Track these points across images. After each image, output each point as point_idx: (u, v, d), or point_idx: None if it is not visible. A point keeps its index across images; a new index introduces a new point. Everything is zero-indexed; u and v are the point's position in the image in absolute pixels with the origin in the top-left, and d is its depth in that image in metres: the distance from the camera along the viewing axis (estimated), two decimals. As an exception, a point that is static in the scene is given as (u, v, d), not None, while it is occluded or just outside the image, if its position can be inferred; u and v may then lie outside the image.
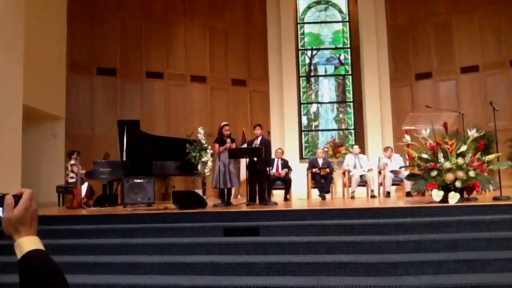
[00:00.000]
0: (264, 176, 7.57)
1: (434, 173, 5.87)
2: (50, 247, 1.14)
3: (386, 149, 9.78)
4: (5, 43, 7.94)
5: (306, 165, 9.92)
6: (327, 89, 14.52)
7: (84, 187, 8.67)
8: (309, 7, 14.75)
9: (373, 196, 9.33)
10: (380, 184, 9.60)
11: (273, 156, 9.45)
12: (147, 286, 3.98)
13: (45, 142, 11.12)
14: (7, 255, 4.60)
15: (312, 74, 14.59)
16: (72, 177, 9.29)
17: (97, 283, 4.10)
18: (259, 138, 7.72)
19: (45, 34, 10.52)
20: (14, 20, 8.30)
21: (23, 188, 1.16)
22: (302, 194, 9.87)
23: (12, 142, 8.12)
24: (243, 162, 9.31)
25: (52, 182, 10.11)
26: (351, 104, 14.30)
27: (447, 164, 5.79)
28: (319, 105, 14.49)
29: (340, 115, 14.41)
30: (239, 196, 10.85)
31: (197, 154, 10.03)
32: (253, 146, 7.64)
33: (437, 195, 5.76)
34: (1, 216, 1.11)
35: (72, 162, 9.36)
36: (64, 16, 11.52)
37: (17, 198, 1.12)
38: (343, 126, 14.34)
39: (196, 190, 8.53)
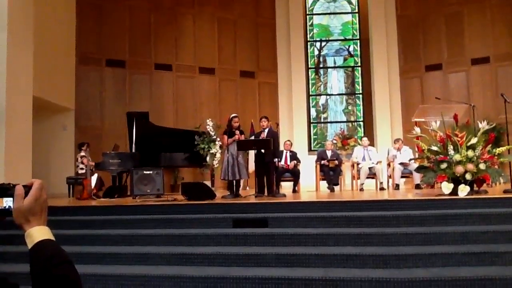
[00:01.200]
0: (272, 168, 7.56)
1: (444, 165, 5.84)
2: (60, 238, 1.15)
3: (396, 140, 9.73)
4: (15, 36, 7.98)
5: (315, 157, 9.90)
6: (336, 80, 14.46)
7: (94, 179, 8.72)
8: (318, -2, 14.66)
9: (382, 189, 9.30)
10: (389, 177, 9.56)
11: (281, 148, 9.44)
12: (155, 276, 4.01)
13: (55, 134, 11.21)
14: (18, 245, 4.66)
15: (321, 65, 14.53)
16: (82, 169, 9.35)
17: (106, 274, 4.13)
18: (266, 130, 7.72)
19: (55, 26, 10.56)
20: (24, 12, 8.33)
21: (33, 179, 1.17)
22: (310, 186, 9.86)
23: (22, 134, 8.19)
24: (252, 154, 9.32)
25: (62, 174, 10.19)
26: (360, 96, 14.23)
27: (457, 157, 5.75)
28: (328, 97, 14.44)
29: (349, 107, 14.36)
30: (247, 188, 10.87)
31: (206, 146, 10.08)
32: (261, 138, 7.64)
33: (446, 187, 5.72)
34: (12, 206, 1.12)
35: (82, 153, 9.43)
36: (73, 8, 11.56)
37: (27, 188, 1.13)
38: (352, 118, 14.29)
39: (205, 182, 8.56)
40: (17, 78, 8.01)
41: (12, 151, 7.76)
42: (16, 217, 1.12)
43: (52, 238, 1.13)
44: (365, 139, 9.97)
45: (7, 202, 1.13)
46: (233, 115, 7.64)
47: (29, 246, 1.10)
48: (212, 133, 10.42)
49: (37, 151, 9.30)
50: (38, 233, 1.11)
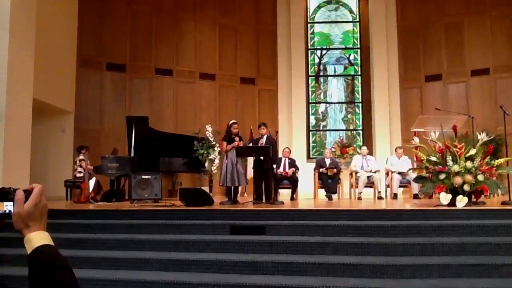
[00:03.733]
0: (270, 175, 7.56)
1: (442, 176, 5.84)
2: (57, 241, 1.15)
3: (399, 147, 9.79)
4: (16, 38, 7.99)
5: (314, 164, 9.90)
6: (335, 89, 14.49)
7: (92, 182, 8.71)
8: (319, 7, 14.71)
9: (380, 198, 9.29)
10: (388, 186, 9.57)
11: (280, 155, 9.44)
12: (152, 282, 4.00)
13: (54, 137, 11.19)
14: (16, 248, 4.64)
15: (321, 73, 14.55)
16: (80, 172, 9.34)
17: (103, 278, 4.12)
18: (264, 137, 7.72)
19: (56, 29, 10.58)
20: (26, 15, 8.35)
21: (34, 183, 1.16)
22: (308, 194, 9.85)
23: (21, 136, 8.18)
24: (250, 160, 9.31)
25: (60, 177, 10.17)
26: (360, 104, 14.25)
27: (456, 168, 5.75)
28: (327, 105, 14.45)
29: (349, 116, 14.37)
30: (245, 195, 10.86)
31: (205, 152, 10.08)
32: (259, 145, 7.63)
33: (445, 198, 5.72)
34: (12, 210, 1.12)
35: (81, 157, 9.41)
36: (75, 11, 11.59)
37: (28, 193, 1.13)
38: (351, 127, 14.30)
39: (203, 188, 8.55)
40: (17, 80, 8.01)
41: (11, 153, 7.74)
42: (15, 221, 1.12)
43: (52, 243, 1.13)
44: (364, 148, 9.98)
45: (8, 206, 1.13)
46: (232, 121, 7.64)
47: (28, 251, 1.10)
48: (211, 139, 10.42)
49: (35, 154, 9.29)
50: (38, 238, 1.11)
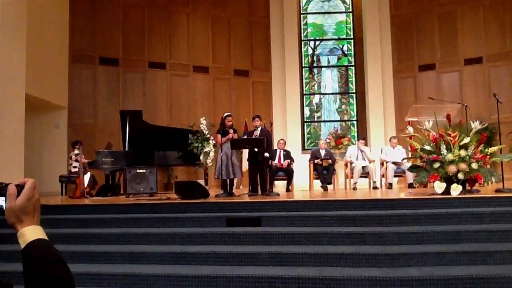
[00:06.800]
0: (265, 166, 7.57)
1: (436, 165, 5.86)
2: (52, 236, 1.15)
3: (393, 137, 9.83)
4: (7, 33, 7.92)
5: (308, 156, 9.91)
6: (329, 80, 14.48)
7: (86, 177, 8.69)
8: (312, -3, 14.67)
9: (375, 188, 9.33)
10: (382, 176, 9.60)
11: (275, 147, 9.44)
12: (149, 275, 4.00)
13: (48, 132, 11.15)
14: (11, 244, 4.63)
15: (315, 65, 14.54)
16: (75, 167, 9.31)
17: (99, 272, 4.12)
18: (259, 129, 7.72)
19: (48, 24, 10.50)
20: (16, 9, 8.27)
21: (26, 178, 1.16)
22: (304, 185, 9.87)
23: (15, 132, 8.14)
24: (245, 152, 9.31)
25: (55, 172, 10.14)
26: (354, 95, 14.26)
27: (450, 156, 5.77)
28: (321, 96, 14.45)
29: (343, 106, 14.38)
30: (241, 187, 10.86)
31: (200, 145, 10.07)
32: (253, 137, 7.63)
33: (439, 187, 5.74)
34: (4, 205, 1.12)
35: (76, 152, 9.38)
36: (67, 5, 11.50)
37: (20, 187, 1.13)
38: (346, 117, 14.32)
39: (198, 181, 8.55)
40: (9, 75, 7.96)
41: (5, 149, 7.71)
42: (8, 216, 1.11)
43: (45, 237, 1.12)
44: (362, 142, 10.00)
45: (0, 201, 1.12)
46: (226, 114, 7.63)
47: (22, 246, 1.10)
48: (206, 132, 10.40)
49: (29, 149, 9.25)
50: (31, 232, 1.11)
